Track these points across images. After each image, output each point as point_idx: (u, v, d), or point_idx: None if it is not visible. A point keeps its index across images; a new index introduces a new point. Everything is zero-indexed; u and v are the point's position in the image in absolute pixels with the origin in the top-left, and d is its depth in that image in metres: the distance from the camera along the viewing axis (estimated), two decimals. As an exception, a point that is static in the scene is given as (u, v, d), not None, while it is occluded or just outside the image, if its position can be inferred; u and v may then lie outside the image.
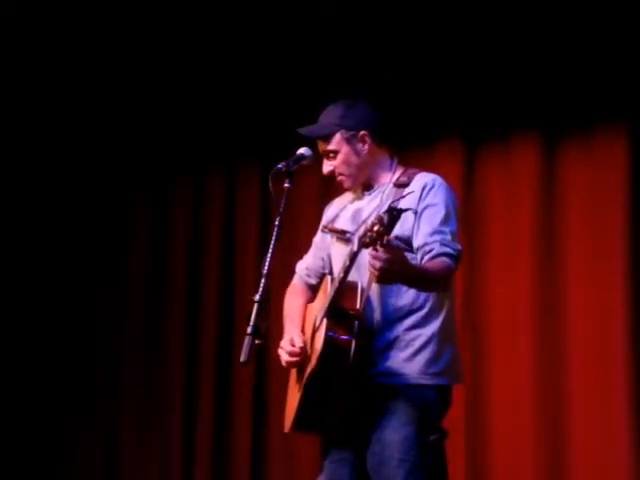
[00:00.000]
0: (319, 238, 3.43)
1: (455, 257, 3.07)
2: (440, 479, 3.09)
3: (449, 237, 3.10)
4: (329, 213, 3.42)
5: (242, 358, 2.94)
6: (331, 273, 3.31)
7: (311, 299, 3.37)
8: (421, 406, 3.05)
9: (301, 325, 3.28)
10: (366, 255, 2.96)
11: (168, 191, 5.90)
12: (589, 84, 4.86)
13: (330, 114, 3.28)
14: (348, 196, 3.39)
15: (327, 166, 3.30)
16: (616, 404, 4.67)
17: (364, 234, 2.81)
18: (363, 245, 2.83)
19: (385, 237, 2.76)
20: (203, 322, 5.70)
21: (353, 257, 2.94)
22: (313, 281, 3.42)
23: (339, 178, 3.29)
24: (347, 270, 2.98)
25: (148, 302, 5.84)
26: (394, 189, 3.18)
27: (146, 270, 5.87)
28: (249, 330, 2.96)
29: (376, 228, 2.76)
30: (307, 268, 3.44)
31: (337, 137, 3.25)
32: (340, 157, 3.25)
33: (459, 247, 3.11)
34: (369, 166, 3.26)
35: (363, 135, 3.24)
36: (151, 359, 5.78)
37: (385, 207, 3.10)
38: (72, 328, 5.91)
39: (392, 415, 3.04)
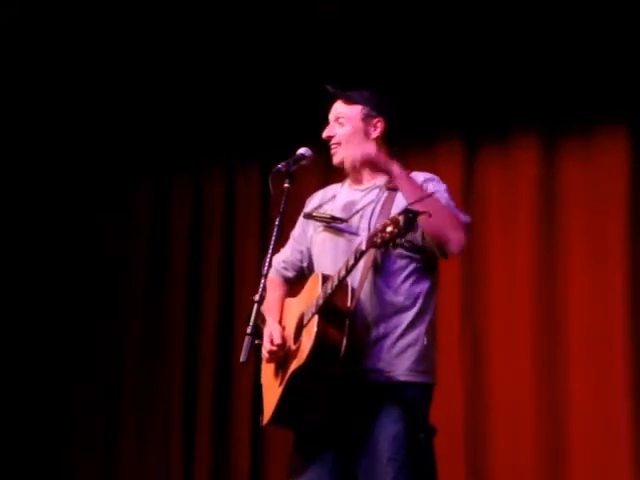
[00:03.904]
0: (298, 231, 3.39)
1: (466, 221, 3.12)
2: (430, 477, 3.07)
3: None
4: (312, 203, 3.38)
5: (242, 358, 2.93)
6: (310, 266, 3.29)
7: (288, 292, 3.34)
8: (410, 404, 3.04)
9: (279, 318, 3.25)
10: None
11: (168, 190, 5.91)
12: (589, 84, 4.86)
13: (357, 93, 3.29)
14: (332, 189, 3.36)
15: (330, 130, 3.27)
16: (616, 404, 4.68)
17: (375, 234, 2.80)
18: (373, 245, 2.82)
19: (398, 239, 2.76)
20: (203, 322, 5.70)
21: (360, 256, 2.91)
22: (290, 274, 3.39)
23: (334, 149, 3.26)
24: (350, 269, 2.95)
25: (148, 302, 5.84)
26: (387, 191, 3.17)
27: (146, 270, 5.87)
28: (249, 330, 2.95)
29: (389, 229, 2.75)
30: (284, 261, 3.40)
31: (356, 109, 3.24)
32: (348, 129, 3.23)
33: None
34: None
35: (378, 121, 3.23)
36: (151, 359, 5.78)
37: (380, 205, 3.11)
38: (72, 328, 5.91)
39: (381, 413, 3.02)
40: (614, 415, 4.67)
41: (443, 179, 3.25)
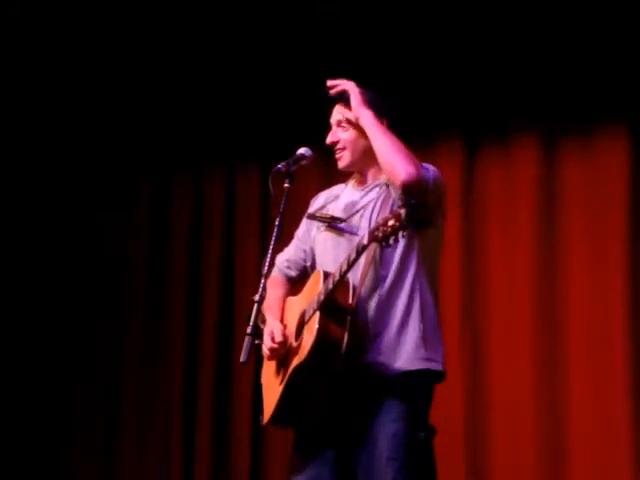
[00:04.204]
0: (302, 230, 3.38)
1: (426, 166, 3.09)
2: (429, 477, 3.06)
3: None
4: (316, 204, 3.37)
5: (242, 358, 2.93)
6: (313, 265, 3.28)
7: (291, 291, 3.33)
8: (409, 402, 3.02)
9: (280, 316, 3.24)
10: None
11: (168, 190, 5.90)
12: (589, 84, 4.86)
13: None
14: (337, 189, 3.36)
15: (334, 136, 3.25)
16: (616, 404, 4.68)
17: (376, 228, 2.81)
18: (374, 239, 2.82)
19: (400, 233, 2.76)
20: (203, 322, 5.70)
21: (361, 251, 2.91)
22: (293, 273, 3.38)
23: (339, 154, 3.25)
24: (352, 263, 2.95)
25: (148, 302, 5.84)
26: (387, 188, 3.16)
27: (146, 270, 5.87)
28: (249, 330, 2.95)
29: (391, 223, 2.76)
30: (287, 260, 3.39)
31: None
32: (351, 133, 3.22)
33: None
34: (373, 157, 3.18)
35: (381, 122, 3.18)
36: (151, 359, 5.78)
37: (379, 202, 3.11)
38: (72, 328, 5.91)
39: (381, 411, 3.01)
40: (614, 415, 4.67)
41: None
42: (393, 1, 5.01)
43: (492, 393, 4.95)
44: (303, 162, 3.27)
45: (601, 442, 4.68)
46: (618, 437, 4.64)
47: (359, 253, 2.93)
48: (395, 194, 3.07)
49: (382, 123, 3.17)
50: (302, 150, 3.29)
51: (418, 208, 2.81)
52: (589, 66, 4.85)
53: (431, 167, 3.13)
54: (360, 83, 3.27)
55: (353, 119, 3.19)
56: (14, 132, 5.89)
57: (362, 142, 3.20)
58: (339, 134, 3.25)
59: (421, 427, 3.04)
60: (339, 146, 3.24)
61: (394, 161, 3.02)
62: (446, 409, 4.33)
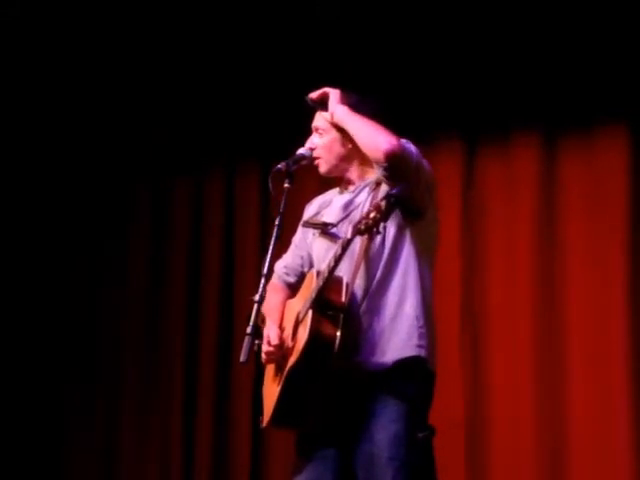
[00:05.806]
0: (299, 237, 3.39)
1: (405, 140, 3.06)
2: (429, 477, 3.06)
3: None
4: (310, 210, 3.39)
5: (242, 358, 2.93)
6: None
7: (290, 297, 3.33)
8: (408, 400, 3.01)
9: (279, 321, 3.24)
10: (353, 247, 2.99)
11: (168, 191, 5.90)
12: (589, 84, 4.86)
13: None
14: (331, 194, 3.37)
15: (311, 142, 3.27)
16: (616, 404, 4.68)
17: (359, 221, 2.84)
18: (358, 232, 2.85)
19: (381, 224, 2.78)
20: (203, 322, 5.70)
21: (346, 245, 2.94)
22: (292, 279, 3.38)
23: (316, 161, 3.26)
24: (338, 259, 2.97)
25: (148, 302, 5.84)
26: (376, 187, 3.16)
27: (146, 270, 5.87)
28: (249, 330, 2.96)
29: (372, 215, 2.79)
30: (286, 267, 3.40)
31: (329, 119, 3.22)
32: (325, 140, 3.24)
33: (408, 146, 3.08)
34: (350, 161, 3.21)
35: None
36: (151, 359, 5.78)
37: (368, 204, 3.11)
38: (72, 328, 5.91)
39: (380, 412, 3.01)
40: (615, 414, 4.67)
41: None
42: (393, 1, 5.01)
43: (492, 393, 4.95)
44: (303, 162, 3.27)
45: (601, 442, 4.68)
46: (619, 437, 4.64)
47: (344, 248, 2.96)
48: (379, 173, 3.06)
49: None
50: (302, 150, 3.29)
51: (404, 188, 2.84)
52: (589, 66, 4.85)
53: (413, 146, 3.12)
54: (356, 84, 3.28)
55: (329, 117, 3.19)
56: (13, 134, 5.89)
57: (335, 148, 3.22)
58: (314, 140, 3.27)
59: (420, 427, 3.03)
60: (314, 154, 3.26)
61: (374, 136, 3.03)
62: (446, 409, 4.33)
